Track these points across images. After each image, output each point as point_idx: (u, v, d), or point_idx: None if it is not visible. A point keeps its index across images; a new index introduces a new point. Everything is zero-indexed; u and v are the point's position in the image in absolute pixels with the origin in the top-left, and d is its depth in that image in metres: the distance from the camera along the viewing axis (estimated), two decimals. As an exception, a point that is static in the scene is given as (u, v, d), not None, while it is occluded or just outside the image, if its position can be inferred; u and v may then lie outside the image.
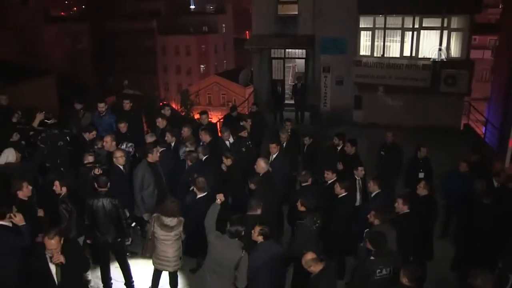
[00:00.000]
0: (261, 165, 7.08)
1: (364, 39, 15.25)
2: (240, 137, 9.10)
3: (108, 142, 7.76)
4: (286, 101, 15.97)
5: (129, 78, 48.95)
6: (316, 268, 4.75)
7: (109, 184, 6.21)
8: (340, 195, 6.68)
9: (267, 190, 6.71)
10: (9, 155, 7.37)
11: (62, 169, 7.64)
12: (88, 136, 8.46)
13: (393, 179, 8.80)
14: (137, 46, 55.08)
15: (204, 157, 7.67)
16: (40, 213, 6.13)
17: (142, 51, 55.58)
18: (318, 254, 5.39)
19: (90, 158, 7.15)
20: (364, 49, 15.31)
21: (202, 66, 57.73)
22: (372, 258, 5.18)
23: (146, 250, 6.07)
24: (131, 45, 54.89)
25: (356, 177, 7.68)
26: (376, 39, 15.05)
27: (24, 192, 5.78)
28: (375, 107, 15.15)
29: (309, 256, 4.78)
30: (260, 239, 5.10)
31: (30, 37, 41.18)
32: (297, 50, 16.80)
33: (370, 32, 15.06)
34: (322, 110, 15.68)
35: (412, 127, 13.59)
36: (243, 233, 5.05)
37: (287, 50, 16.72)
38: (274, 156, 7.95)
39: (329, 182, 7.20)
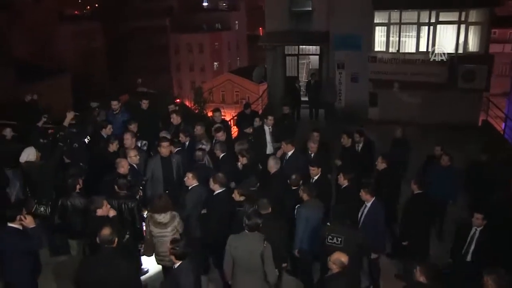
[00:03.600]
0: (270, 164, 7.12)
1: (379, 34, 15.19)
2: (245, 133, 9.28)
3: (129, 139, 7.79)
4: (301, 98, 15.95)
5: (143, 76, 49.42)
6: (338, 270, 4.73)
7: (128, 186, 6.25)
8: (343, 186, 6.80)
9: (278, 189, 6.77)
10: (30, 154, 7.52)
11: (81, 164, 7.73)
12: (105, 131, 8.48)
13: (399, 175, 8.60)
14: (150, 44, 55.65)
15: (222, 155, 7.75)
16: None
17: (155, 49, 56.13)
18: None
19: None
20: (379, 45, 15.25)
21: (215, 63, 57.96)
22: (328, 224, 5.60)
23: (146, 250, 6.11)
24: (144, 43, 55.47)
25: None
26: (391, 35, 14.97)
27: (104, 210, 5.67)
28: (391, 104, 15.07)
29: (343, 258, 4.71)
30: (173, 259, 4.75)
31: (45, 36, 41.86)
32: (311, 47, 16.82)
33: (385, 27, 14.98)
34: (337, 107, 15.66)
35: (429, 124, 13.50)
36: (260, 225, 5.03)
37: (301, 46, 16.76)
38: (289, 154, 7.91)
39: (315, 179, 7.02)
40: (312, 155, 8.09)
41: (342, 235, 5.40)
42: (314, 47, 16.65)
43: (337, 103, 15.73)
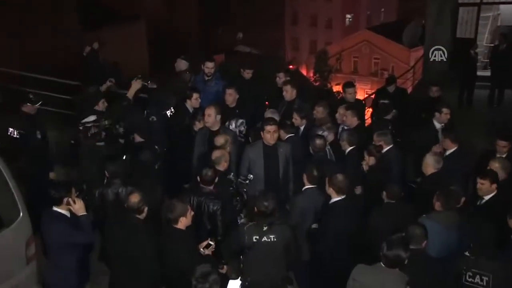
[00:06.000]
0: (428, 161, 7.36)
1: None
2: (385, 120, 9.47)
3: (211, 116, 7.84)
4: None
5: (245, 30, 50.57)
6: None
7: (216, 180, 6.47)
8: None
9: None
10: None
11: (156, 147, 8.17)
12: (191, 103, 8.85)
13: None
14: (258, -14, 56.83)
15: (349, 148, 7.98)
16: None
17: (265, -6, 57.21)
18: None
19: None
20: None
21: (348, 16, 58.14)
22: (466, 254, 5.48)
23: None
24: (250, -15, 56.84)
25: None
26: None
27: (185, 221, 5.72)
28: None
29: None
30: None
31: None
32: (504, -9, 16.00)
33: None
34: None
35: None
36: (406, 261, 4.86)
37: (486, -9, 16.07)
38: (450, 152, 8.16)
39: (486, 198, 6.83)
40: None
41: (489, 273, 5.32)
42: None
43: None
